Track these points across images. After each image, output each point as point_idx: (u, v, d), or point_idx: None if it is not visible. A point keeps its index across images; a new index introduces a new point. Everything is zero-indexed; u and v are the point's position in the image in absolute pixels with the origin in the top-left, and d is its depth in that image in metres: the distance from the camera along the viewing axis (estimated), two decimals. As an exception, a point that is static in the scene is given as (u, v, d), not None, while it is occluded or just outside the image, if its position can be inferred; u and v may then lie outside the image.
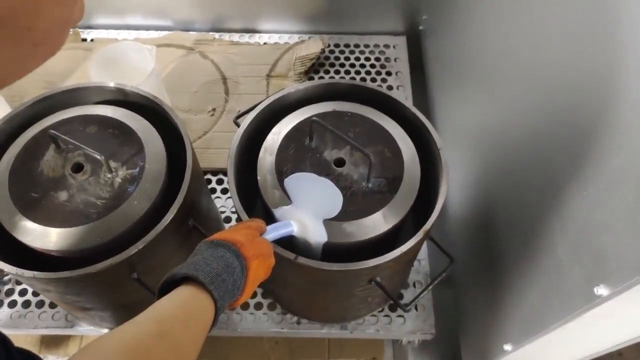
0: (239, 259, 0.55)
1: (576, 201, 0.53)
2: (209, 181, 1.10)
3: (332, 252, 0.70)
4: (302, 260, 0.67)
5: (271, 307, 0.97)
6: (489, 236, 0.81)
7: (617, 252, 0.45)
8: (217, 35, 1.31)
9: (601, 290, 0.46)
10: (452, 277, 1.03)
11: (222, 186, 1.10)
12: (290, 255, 0.67)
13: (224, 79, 1.23)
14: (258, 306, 0.97)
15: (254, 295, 0.98)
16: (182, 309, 0.49)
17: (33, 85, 1.16)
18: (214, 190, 1.09)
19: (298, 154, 0.76)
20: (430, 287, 0.78)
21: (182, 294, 0.50)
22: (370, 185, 0.73)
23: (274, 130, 0.79)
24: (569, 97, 0.57)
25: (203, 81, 1.22)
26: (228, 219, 1.05)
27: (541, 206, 0.62)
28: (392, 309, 0.96)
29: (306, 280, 0.74)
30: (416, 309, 0.96)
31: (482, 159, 0.87)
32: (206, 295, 0.51)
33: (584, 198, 0.52)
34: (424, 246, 1.00)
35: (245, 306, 0.96)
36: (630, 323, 0.53)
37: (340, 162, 0.75)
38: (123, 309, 0.84)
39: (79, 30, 1.31)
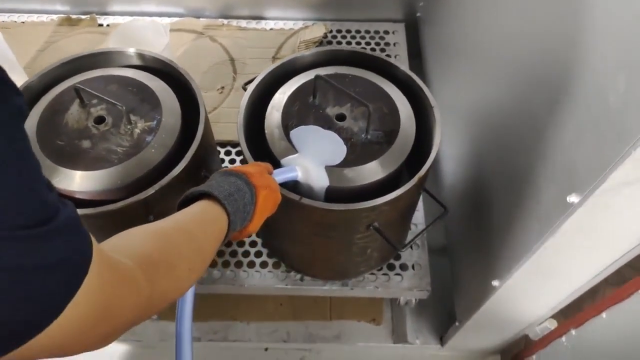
0: (248, 186, 0.61)
1: (553, 139, 0.59)
2: (218, 152, 1.16)
3: (334, 197, 0.76)
4: (306, 201, 0.73)
5: (276, 265, 1.02)
6: (478, 186, 0.87)
7: (583, 164, 0.51)
8: (225, 21, 1.39)
9: (572, 198, 0.52)
10: (446, 229, 1.09)
11: (230, 157, 1.16)
12: (295, 197, 0.73)
13: (232, 60, 1.30)
14: (263, 264, 1.02)
15: (259, 254, 1.03)
16: (199, 214, 0.55)
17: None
18: (222, 161, 1.15)
19: (303, 110, 0.82)
20: (425, 230, 0.84)
21: (199, 206, 0.56)
22: (369, 136, 0.79)
23: (280, 90, 0.86)
24: (545, 60, 0.64)
25: (212, 62, 1.29)
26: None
27: (524, 150, 0.69)
28: (390, 267, 1.02)
29: (309, 224, 0.80)
30: (413, 268, 1.02)
31: (472, 127, 0.94)
32: (220, 208, 0.57)
33: (560, 136, 0.58)
34: (420, 204, 1.05)
35: (251, 264, 1.02)
36: (601, 242, 0.59)
37: (341, 117, 0.81)
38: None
39: (96, 16, 1.38)
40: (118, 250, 0.42)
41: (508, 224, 0.71)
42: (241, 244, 1.05)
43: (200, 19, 1.39)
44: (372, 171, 0.77)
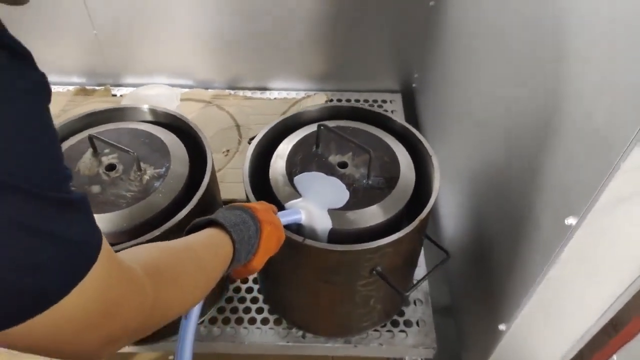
0: (253, 220, 0.63)
1: (547, 168, 0.62)
2: (221, 211, 1.18)
3: (337, 240, 0.77)
4: (309, 242, 0.74)
5: (277, 322, 1.00)
6: (479, 230, 0.88)
7: (578, 186, 0.53)
8: (232, 92, 1.47)
9: (570, 220, 0.53)
10: (449, 281, 1.08)
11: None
12: (299, 238, 0.74)
13: (238, 126, 1.36)
14: (265, 321, 1.00)
15: (261, 310, 1.01)
16: (206, 238, 0.56)
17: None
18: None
19: (306, 159, 0.85)
20: (428, 275, 0.83)
21: (206, 232, 0.57)
22: (370, 182, 0.82)
23: (285, 140, 0.90)
24: (532, 106, 0.69)
25: (219, 127, 1.35)
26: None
27: (520, 185, 0.71)
28: (395, 324, 0.99)
29: (312, 268, 0.80)
30: (417, 324, 0.99)
31: (469, 178, 0.97)
32: (226, 236, 0.58)
33: (553, 164, 0.61)
34: (422, 258, 1.05)
35: (252, 321, 1.00)
36: (604, 270, 0.60)
37: (343, 165, 0.84)
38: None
39: (110, 87, 1.47)
40: (126, 257, 0.43)
41: (509, 261, 0.72)
42: (242, 300, 1.03)
43: (209, 90, 1.48)
44: (374, 214, 0.78)
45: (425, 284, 1.05)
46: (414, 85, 1.46)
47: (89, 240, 0.35)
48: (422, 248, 1.00)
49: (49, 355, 0.38)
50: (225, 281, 1.04)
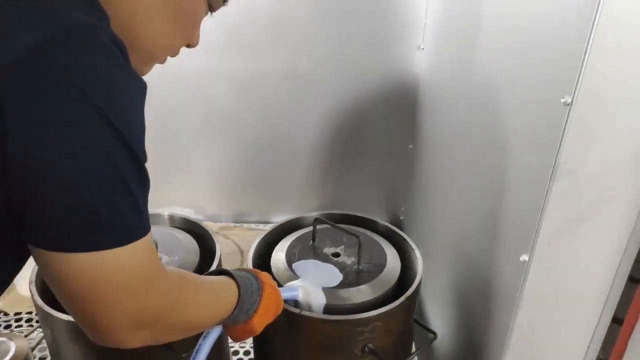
0: (256, 280, 0.73)
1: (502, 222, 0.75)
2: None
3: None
4: (305, 313, 0.82)
5: None
6: (462, 308, 0.94)
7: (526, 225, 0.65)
8: (237, 224, 1.63)
9: (524, 257, 0.64)
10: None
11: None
12: (296, 310, 0.82)
13: (242, 252, 1.48)
14: None
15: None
16: (218, 280, 0.66)
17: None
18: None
19: (303, 250, 0.97)
20: (417, 352, 0.87)
21: (218, 277, 0.67)
22: (360, 267, 0.92)
23: (283, 240, 1.02)
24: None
25: (224, 253, 1.46)
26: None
27: (484, 244, 0.82)
28: None
29: (308, 343, 0.85)
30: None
31: (449, 266, 1.07)
32: (234, 284, 0.67)
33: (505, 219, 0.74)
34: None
35: None
36: (566, 309, 0.68)
37: (336, 255, 0.95)
38: None
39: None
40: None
41: (486, 320, 0.78)
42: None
43: (217, 223, 1.63)
44: (364, 293, 0.87)
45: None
46: (401, 217, 1.62)
47: (146, 217, 0.47)
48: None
49: (84, 315, 0.46)
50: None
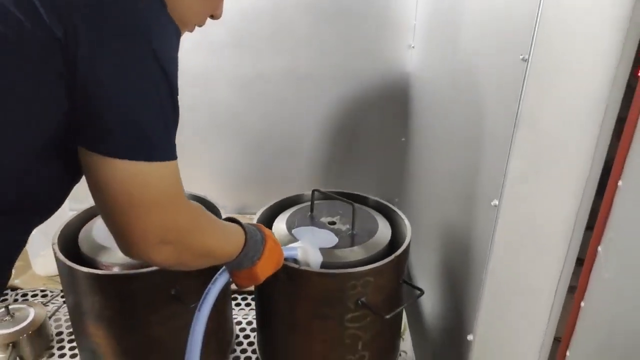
0: (260, 232, 0.82)
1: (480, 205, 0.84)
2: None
3: (327, 273, 0.92)
4: (303, 267, 0.90)
5: (273, 385, 1.05)
6: (446, 265, 1.02)
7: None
8: (240, 215, 1.71)
9: (494, 202, 0.73)
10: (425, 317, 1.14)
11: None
12: (295, 265, 0.90)
13: (244, 238, 1.57)
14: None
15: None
16: (227, 223, 0.75)
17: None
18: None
19: (302, 219, 1.06)
20: (405, 305, 0.95)
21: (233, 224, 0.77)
22: (354, 232, 1.00)
23: (283, 213, 1.11)
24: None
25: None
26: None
27: (467, 210, 0.91)
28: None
29: (306, 300, 0.93)
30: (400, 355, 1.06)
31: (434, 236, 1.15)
32: (242, 231, 0.77)
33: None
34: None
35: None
36: (534, 242, 0.76)
37: (332, 223, 1.04)
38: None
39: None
40: None
41: (466, 271, 0.87)
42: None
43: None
44: (358, 253, 0.95)
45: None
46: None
47: (174, 147, 0.56)
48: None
49: (119, 225, 0.55)
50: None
